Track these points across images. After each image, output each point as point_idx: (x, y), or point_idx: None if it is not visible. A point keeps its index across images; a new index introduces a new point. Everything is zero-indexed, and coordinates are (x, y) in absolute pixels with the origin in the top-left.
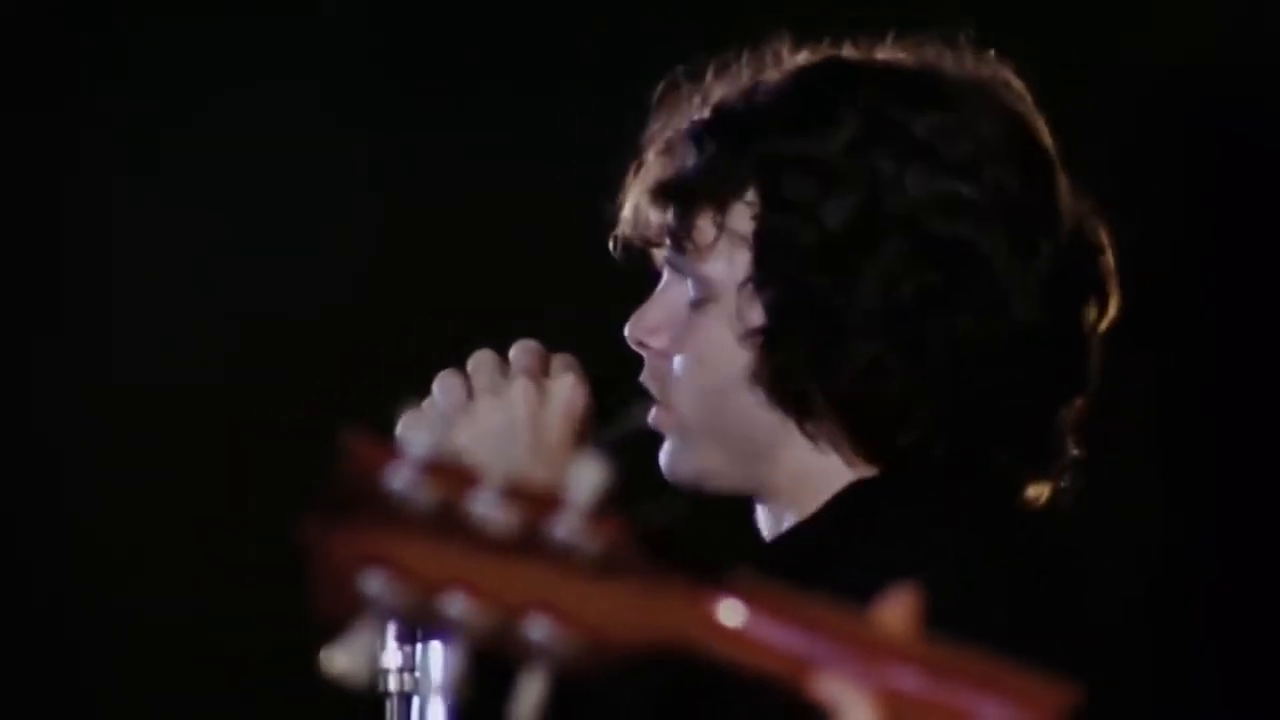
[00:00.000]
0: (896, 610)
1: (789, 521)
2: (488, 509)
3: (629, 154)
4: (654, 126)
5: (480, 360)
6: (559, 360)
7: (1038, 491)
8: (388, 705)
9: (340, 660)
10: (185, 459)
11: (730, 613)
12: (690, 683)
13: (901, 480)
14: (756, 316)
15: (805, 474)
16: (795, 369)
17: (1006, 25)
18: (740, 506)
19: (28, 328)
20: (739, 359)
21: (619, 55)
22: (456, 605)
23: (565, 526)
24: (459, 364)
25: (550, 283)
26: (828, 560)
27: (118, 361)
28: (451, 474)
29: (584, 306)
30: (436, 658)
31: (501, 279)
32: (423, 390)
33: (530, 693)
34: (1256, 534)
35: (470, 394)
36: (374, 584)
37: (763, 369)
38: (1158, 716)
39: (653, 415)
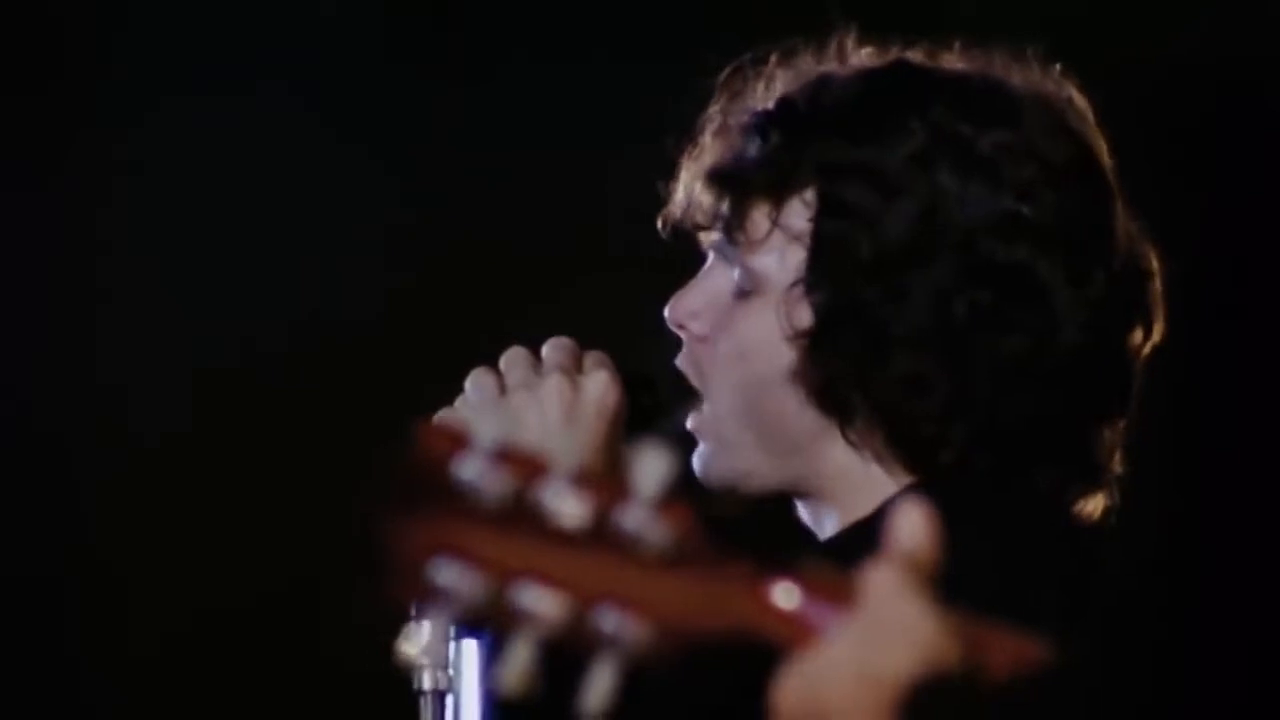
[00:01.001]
0: (908, 526)
1: (831, 520)
2: (557, 499)
3: (658, 146)
4: (713, 110)
5: (513, 357)
6: (592, 357)
7: (1090, 506)
8: (422, 702)
9: (410, 648)
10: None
11: (793, 599)
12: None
13: (954, 489)
14: (805, 318)
15: (846, 471)
16: (839, 375)
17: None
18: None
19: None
20: (781, 356)
21: (650, 41)
22: (528, 596)
23: (633, 516)
24: (491, 361)
25: (583, 280)
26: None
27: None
28: (520, 464)
29: (618, 303)
30: (471, 655)
31: (533, 275)
32: (456, 387)
33: (601, 683)
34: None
35: (503, 390)
36: (446, 574)
37: (806, 371)
38: None
39: (690, 420)
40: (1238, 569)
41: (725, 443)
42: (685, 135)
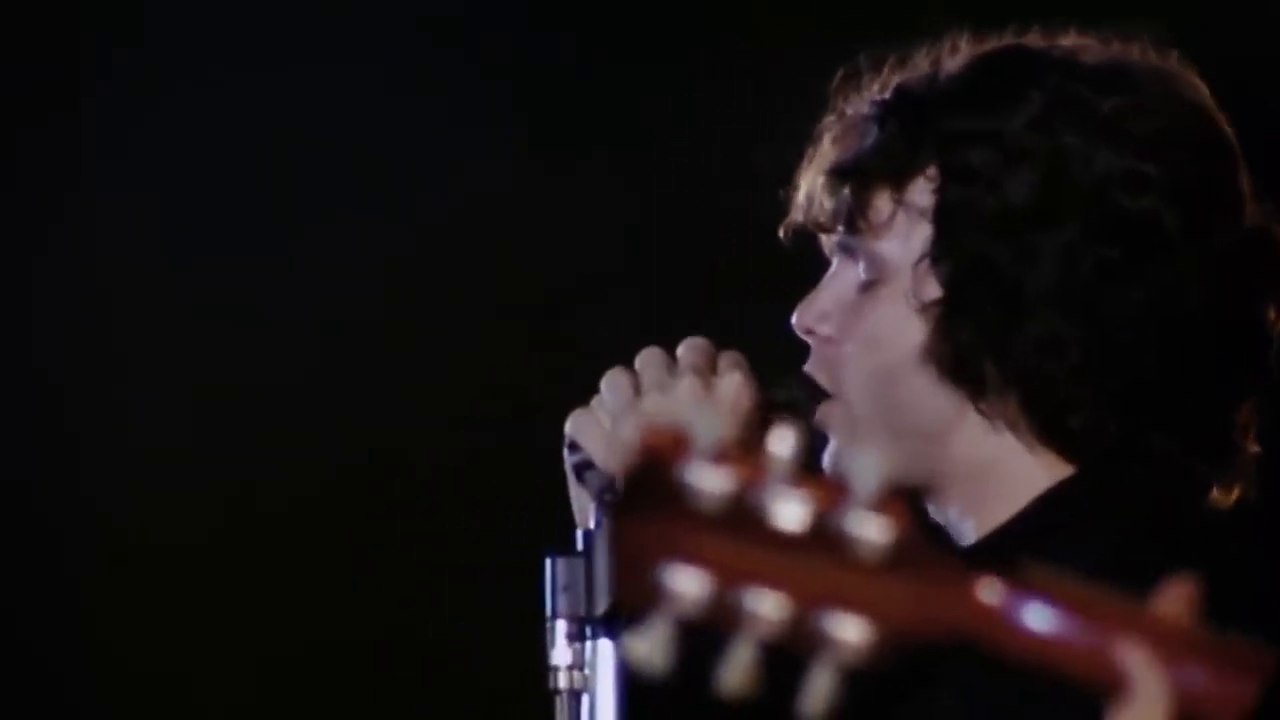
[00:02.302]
0: (1175, 599)
1: (968, 514)
2: (779, 502)
3: (790, 146)
4: (831, 115)
5: (648, 358)
6: (726, 357)
7: (1222, 488)
8: (557, 702)
9: (639, 650)
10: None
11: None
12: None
13: (1101, 485)
14: (933, 290)
15: (980, 462)
16: (971, 343)
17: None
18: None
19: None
20: (911, 338)
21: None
22: (755, 600)
23: (853, 518)
24: (627, 362)
25: (717, 279)
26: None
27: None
28: (741, 466)
29: (750, 303)
30: (606, 655)
31: (670, 276)
32: (591, 388)
33: (822, 687)
34: None
35: (638, 391)
36: (674, 578)
37: (937, 344)
38: None
39: (819, 413)
40: None
41: (856, 436)
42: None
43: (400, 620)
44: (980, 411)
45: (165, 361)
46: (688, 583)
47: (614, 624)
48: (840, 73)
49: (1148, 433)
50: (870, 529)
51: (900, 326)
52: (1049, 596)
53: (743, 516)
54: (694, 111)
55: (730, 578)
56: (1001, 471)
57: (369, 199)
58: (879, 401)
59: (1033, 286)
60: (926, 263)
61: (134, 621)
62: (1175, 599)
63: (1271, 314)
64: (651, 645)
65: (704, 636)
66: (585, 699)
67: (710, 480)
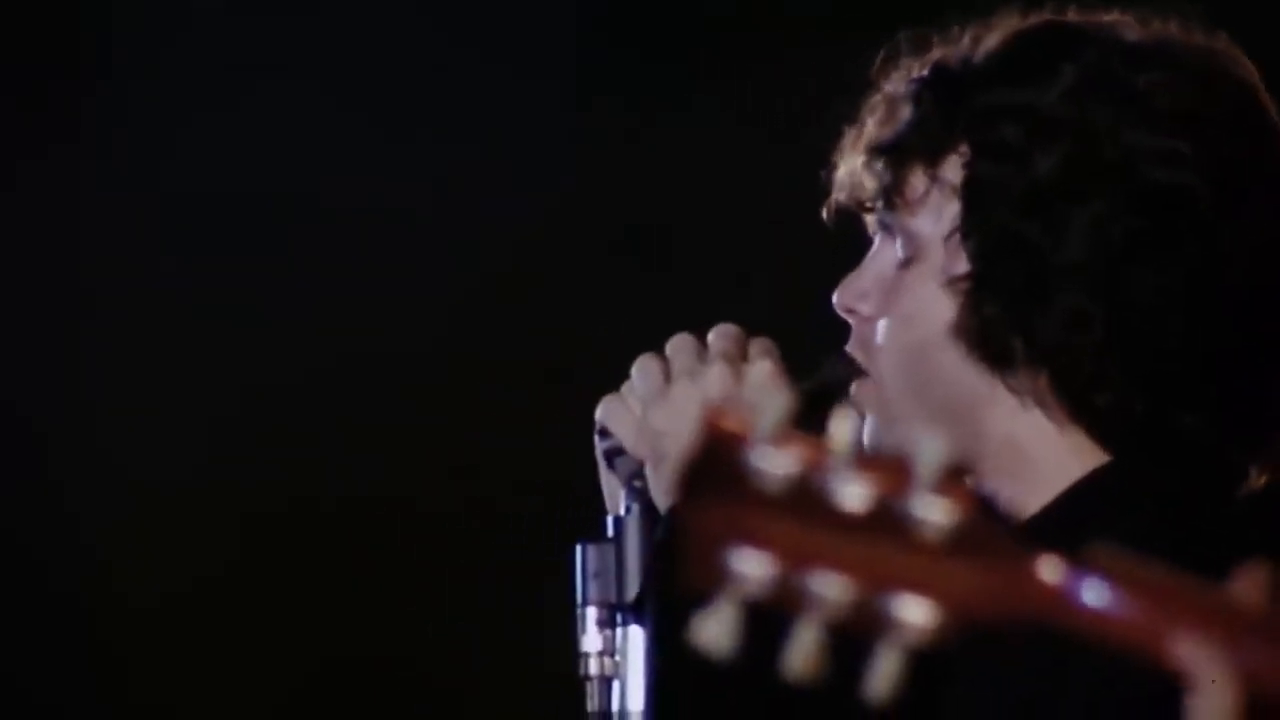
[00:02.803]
0: (1251, 585)
1: (1001, 494)
2: (844, 485)
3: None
4: (874, 95)
5: (679, 344)
6: (757, 344)
7: (1258, 470)
8: (588, 688)
9: (707, 633)
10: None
11: (1096, 591)
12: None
13: (1135, 473)
14: (962, 266)
15: (1012, 440)
16: (999, 319)
17: None
18: None
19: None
20: (943, 313)
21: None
22: (822, 583)
23: (917, 501)
24: (658, 348)
25: (748, 267)
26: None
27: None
28: (805, 450)
29: (782, 289)
30: (636, 641)
31: (699, 263)
32: (622, 374)
33: (888, 669)
34: None
35: (668, 377)
36: (741, 561)
37: (966, 320)
38: None
39: (854, 390)
40: None
41: (890, 414)
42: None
43: (430, 608)
44: (1009, 388)
45: (165, 364)
46: (754, 566)
47: (643, 610)
48: (881, 54)
49: (1178, 413)
50: (934, 511)
51: (932, 303)
52: (1114, 577)
53: (807, 500)
54: (717, 98)
55: (796, 561)
56: (1034, 452)
57: (366, 201)
58: (911, 379)
59: (1060, 261)
60: (957, 238)
61: (135, 627)
62: (1249, 583)
63: None
64: (719, 628)
65: (769, 619)
66: (616, 685)
67: (775, 463)
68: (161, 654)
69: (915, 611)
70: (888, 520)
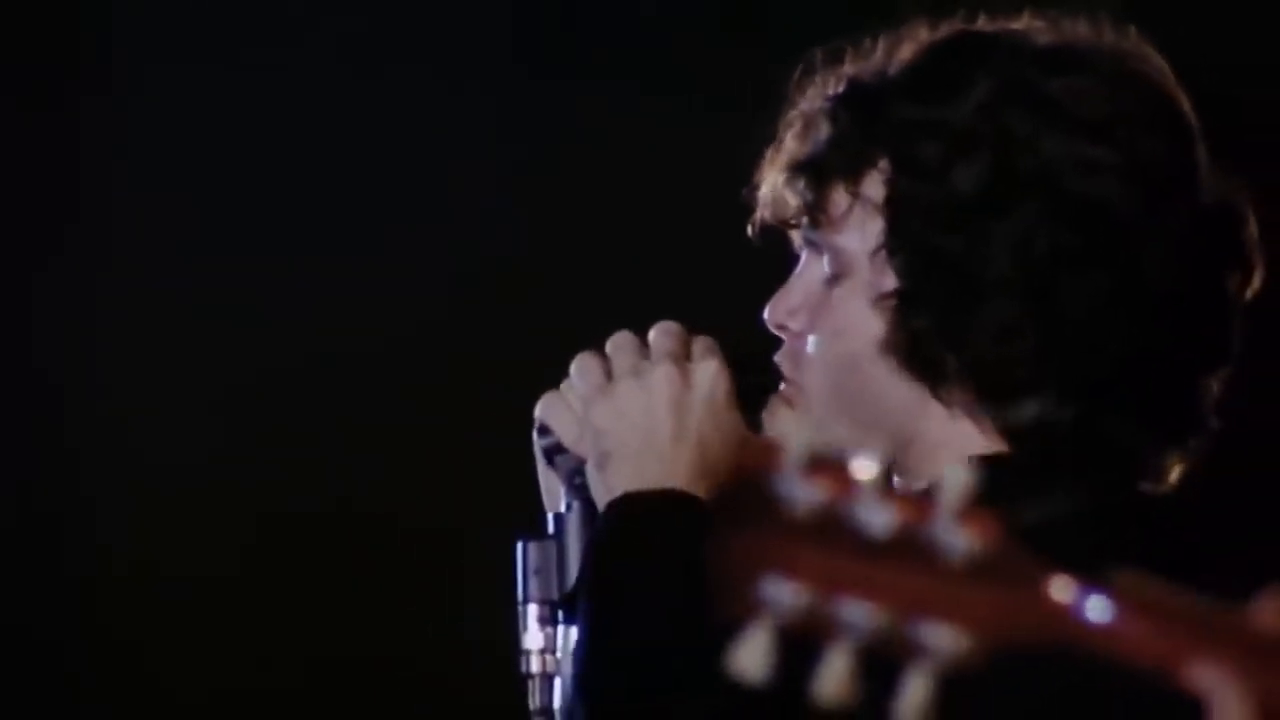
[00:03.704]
0: (1269, 608)
1: None
2: (869, 514)
3: (760, 140)
4: (791, 110)
5: (620, 342)
6: (700, 343)
7: (1170, 468)
8: (530, 686)
9: (742, 661)
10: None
11: (1100, 608)
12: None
13: (1025, 458)
14: (889, 282)
15: (943, 445)
16: (927, 333)
17: None
18: None
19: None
20: (871, 329)
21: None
22: (852, 611)
23: (942, 527)
24: (597, 346)
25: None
26: None
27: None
28: (831, 476)
29: (718, 287)
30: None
31: (636, 260)
32: (560, 373)
33: (917, 694)
34: None
35: (609, 376)
36: (772, 590)
37: (895, 335)
38: None
39: (781, 391)
40: None
41: (820, 425)
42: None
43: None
44: (940, 400)
45: (166, 367)
46: (786, 594)
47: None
48: (798, 69)
49: (1104, 417)
50: (958, 538)
51: (861, 318)
52: (1131, 599)
53: (834, 528)
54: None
55: (826, 589)
56: (961, 450)
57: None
58: (840, 391)
59: (986, 275)
60: (883, 255)
61: (135, 629)
62: (1267, 606)
63: (1233, 285)
64: (756, 655)
65: (797, 647)
66: (557, 682)
67: (802, 492)
68: (163, 645)
69: (944, 637)
70: (914, 548)
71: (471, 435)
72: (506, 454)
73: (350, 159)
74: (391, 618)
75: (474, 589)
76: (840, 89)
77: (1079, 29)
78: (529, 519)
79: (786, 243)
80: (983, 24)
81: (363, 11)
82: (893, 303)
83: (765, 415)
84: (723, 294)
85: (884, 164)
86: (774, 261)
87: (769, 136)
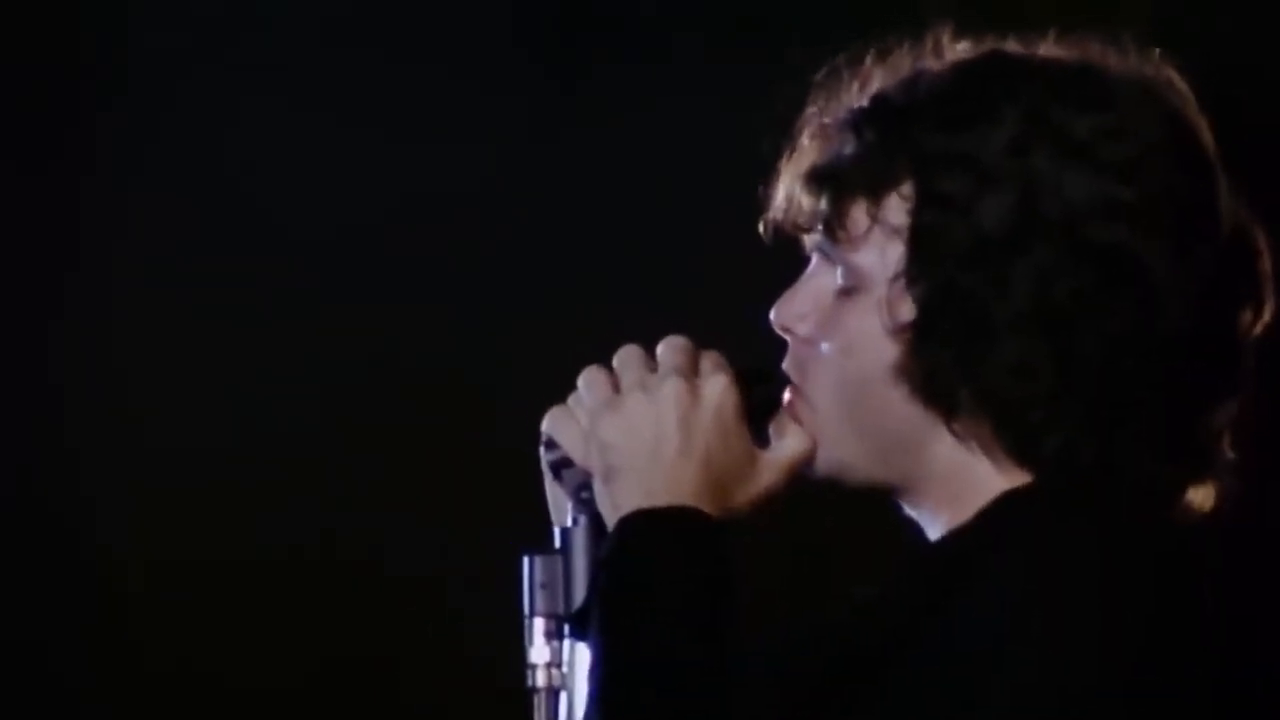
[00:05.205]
0: None
1: (940, 520)
2: None
3: (770, 144)
4: (810, 111)
5: (627, 356)
6: (708, 358)
7: (1199, 498)
8: (535, 700)
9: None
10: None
11: None
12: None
13: (1053, 492)
14: (907, 311)
15: (953, 472)
16: (944, 367)
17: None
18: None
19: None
20: (885, 352)
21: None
22: None
23: None
24: (604, 359)
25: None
26: (972, 573)
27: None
28: None
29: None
30: (583, 654)
31: (644, 271)
32: (568, 386)
33: None
34: None
35: (616, 390)
36: None
37: (911, 365)
38: None
39: (787, 404)
40: None
41: (826, 438)
42: (782, 137)
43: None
44: (952, 431)
45: (167, 367)
46: None
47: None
48: (824, 69)
49: (1121, 450)
50: None
51: (875, 340)
52: None
53: None
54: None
55: None
56: (973, 484)
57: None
58: (848, 407)
59: (1005, 312)
60: (902, 282)
61: (135, 628)
62: None
63: (1248, 318)
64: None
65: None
66: (563, 696)
67: None
68: (164, 645)
69: None
70: None
71: (478, 448)
72: (513, 467)
73: (350, 159)
74: (395, 629)
75: (479, 602)
76: (866, 103)
77: (1105, 55)
78: (535, 533)
79: (795, 245)
80: (1011, 46)
81: (365, 12)
82: (909, 334)
83: (772, 430)
84: (725, 295)
85: (907, 189)
86: (780, 264)
87: (773, 137)
